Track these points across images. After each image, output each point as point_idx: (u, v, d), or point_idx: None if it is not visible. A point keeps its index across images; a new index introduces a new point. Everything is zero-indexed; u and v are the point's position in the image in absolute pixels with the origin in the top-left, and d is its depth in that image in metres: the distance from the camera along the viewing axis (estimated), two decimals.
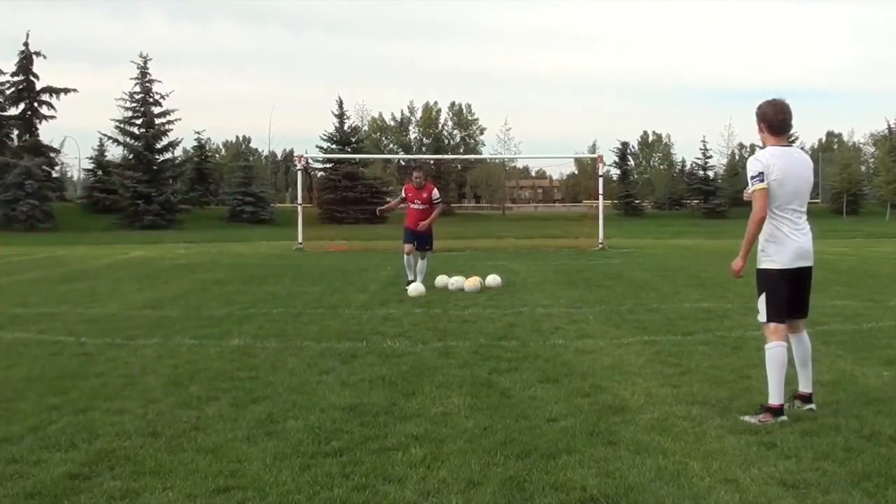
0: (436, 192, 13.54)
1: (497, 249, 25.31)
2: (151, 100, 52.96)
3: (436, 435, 4.99)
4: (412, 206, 13.37)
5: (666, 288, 13.20)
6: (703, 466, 4.37)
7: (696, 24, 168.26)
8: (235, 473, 4.33)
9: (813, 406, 5.47)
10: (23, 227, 43.67)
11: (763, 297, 5.38)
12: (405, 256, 13.40)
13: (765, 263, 5.37)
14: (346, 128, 63.78)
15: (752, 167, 5.31)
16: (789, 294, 5.39)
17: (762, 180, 5.23)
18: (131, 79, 53.01)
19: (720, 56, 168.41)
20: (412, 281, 12.92)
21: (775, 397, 5.25)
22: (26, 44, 50.60)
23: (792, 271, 5.35)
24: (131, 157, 52.74)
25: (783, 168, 5.28)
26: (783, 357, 5.30)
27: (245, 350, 7.90)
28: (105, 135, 54.31)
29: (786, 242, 5.31)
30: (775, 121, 5.38)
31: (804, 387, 5.52)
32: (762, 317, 5.41)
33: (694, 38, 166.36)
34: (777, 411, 5.20)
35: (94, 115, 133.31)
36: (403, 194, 13.70)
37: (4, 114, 50.90)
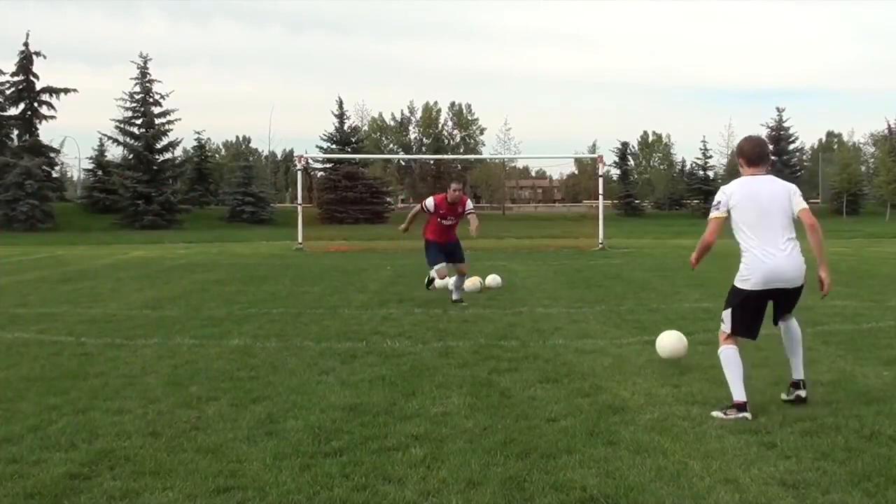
0: (469, 203, 11.44)
1: (497, 249, 25.31)
2: (151, 100, 52.99)
3: (436, 435, 4.99)
4: (442, 221, 11.14)
5: (666, 288, 13.20)
6: (703, 466, 4.37)
7: (696, 24, 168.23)
8: (235, 473, 4.34)
9: (801, 393, 5.58)
10: (23, 227, 43.68)
11: (728, 312, 5.59)
12: (436, 282, 11.12)
13: (737, 282, 5.58)
14: (346, 128, 63.83)
15: (716, 196, 5.69)
16: (755, 313, 5.57)
17: (717, 209, 5.62)
18: (131, 79, 53.11)
19: (720, 56, 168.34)
20: (459, 301, 11.16)
21: (737, 394, 5.40)
22: (26, 44, 50.66)
23: (762, 293, 5.50)
24: (131, 157, 52.76)
25: (744, 194, 5.55)
26: (736, 356, 5.52)
27: (245, 350, 7.90)
28: (105, 135, 54.39)
29: (755, 265, 5.46)
30: (752, 154, 5.71)
31: (796, 374, 5.66)
32: (726, 327, 5.61)
33: (694, 38, 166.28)
34: (741, 407, 5.34)
35: (94, 115, 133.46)
36: (431, 208, 11.15)
37: (4, 114, 50.92)
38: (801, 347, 5.72)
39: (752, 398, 5.66)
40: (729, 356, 5.54)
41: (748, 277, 5.48)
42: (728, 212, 5.55)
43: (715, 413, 5.35)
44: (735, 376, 5.44)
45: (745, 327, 5.58)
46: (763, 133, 69.11)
